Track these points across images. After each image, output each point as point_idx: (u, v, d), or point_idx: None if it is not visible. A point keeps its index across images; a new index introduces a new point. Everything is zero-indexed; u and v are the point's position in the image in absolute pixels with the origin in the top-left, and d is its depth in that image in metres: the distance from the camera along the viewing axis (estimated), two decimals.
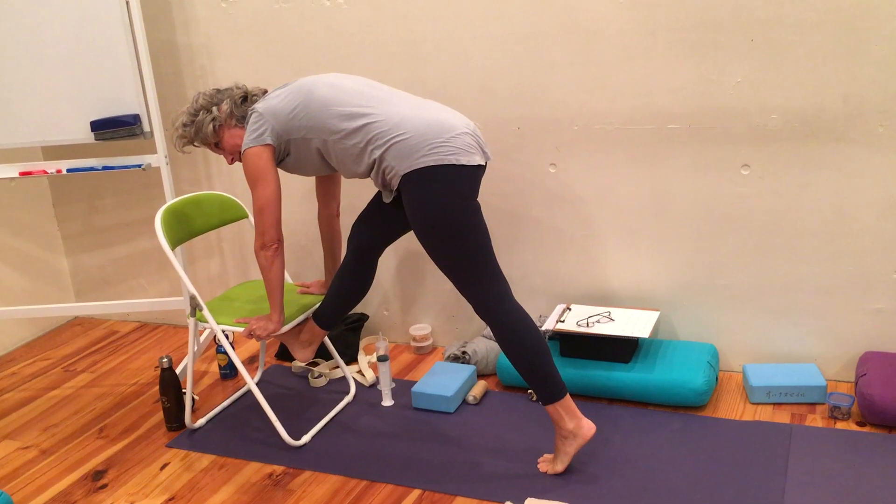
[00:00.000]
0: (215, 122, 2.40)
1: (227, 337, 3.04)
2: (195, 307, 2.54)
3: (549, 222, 2.92)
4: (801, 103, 2.50)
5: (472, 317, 3.17)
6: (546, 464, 2.34)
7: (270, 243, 2.35)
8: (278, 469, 2.45)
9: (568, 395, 2.23)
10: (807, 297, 2.67)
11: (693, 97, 2.61)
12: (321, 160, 2.35)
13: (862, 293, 2.61)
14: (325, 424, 2.68)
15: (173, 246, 2.53)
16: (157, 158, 2.94)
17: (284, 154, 2.37)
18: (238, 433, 2.67)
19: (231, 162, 2.47)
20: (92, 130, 2.90)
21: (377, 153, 2.19)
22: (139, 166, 2.95)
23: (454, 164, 2.11)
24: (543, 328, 2.83)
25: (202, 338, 3.26)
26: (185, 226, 2.63)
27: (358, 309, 3.36)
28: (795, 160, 2.56)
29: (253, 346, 3.38)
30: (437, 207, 2.12)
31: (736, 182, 2.64)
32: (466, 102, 2.89)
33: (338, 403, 2.81)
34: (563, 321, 2.77)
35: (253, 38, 3.13)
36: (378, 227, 2.50)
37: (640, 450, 2.39)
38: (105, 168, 2.98)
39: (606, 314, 2.80)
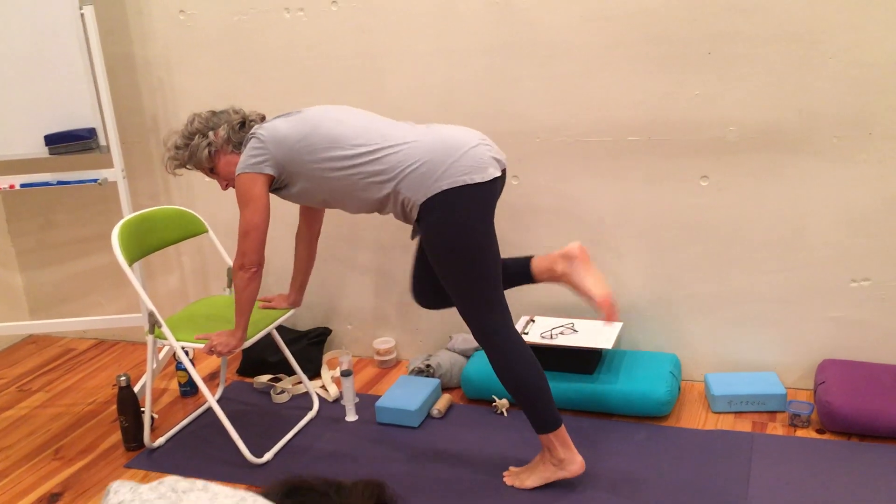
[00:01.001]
0: (211, 148, 2.33)
1: (186, 354, 2.99)
2: (154, 324, 2.50)
3: (511, 234, 2.92)
4: (758, 116, 2.54)
5: (436, 329, 3.16)
6: (512, 477, 2.33)
7: (250, 266, 2.30)
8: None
9: (563, 427, 2.22)
10: (766, 307, 2.71)
11: (652, 110, 2.63)
12: (323, 194, 2.25)
13: (819, 302, 2.65)
14: (288, 441, 2.65)
15: (131, 262, 2.49)
16: (114, 173, 2.89)
17: (283, 185, 2.28)
18: (199, 452, 2.62)
19: (225, 188, 2.40)
20: (46, 145, 2.84)
21: (390, 186, 2.12)
22: (95, 181, 2.90)
23: (468, 184, 2.06)
24: None
25: (161, 355, 3.20)
26: (143, 241, 2.59)
27: (321, 323, 3.33)
28: (753, 171, 2.60)
29: (214, 362, 3.33)
30: (453, 234, 2.08)
31: (695, 193, 2.67)
32: (428, 116, 2.89)
33: (301, 420, 2.78)
34: (526, 333, 2.77)
35: (211, 51, 3.09)
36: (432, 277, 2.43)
37: (604, 461, 2.39)
38: (60, 183, 2.92)
39: (570, 326, 2.81)
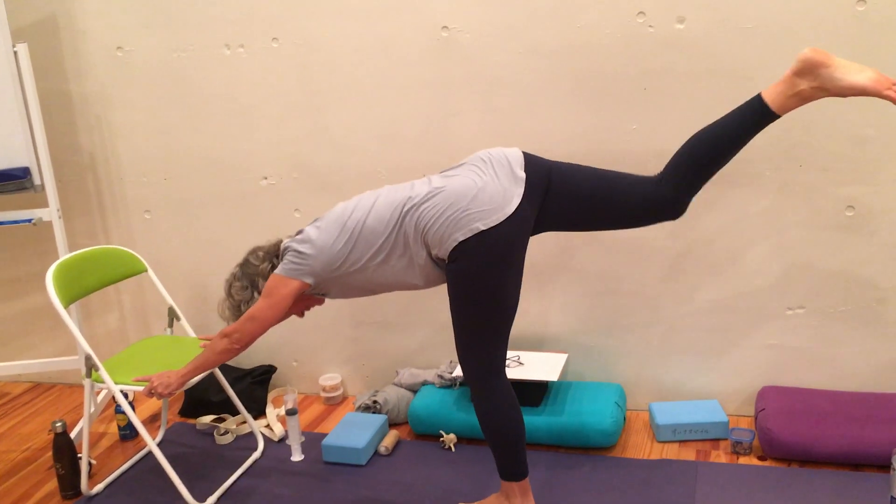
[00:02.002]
0: None
1: (126, 396, 2.92)
2: (91, 367, 2.43)
3: None
4: None
5: (383, 365, 3.14)
6: None
7: (236, 343, 2.22)
8: None
9: (527, 478, 2.22)
10: (707, 336, 2.76)
11: (591, 143, 2.68)
12: (368, 287, 2.20)
13: (757, 330, 2.71)
14: (232, 484, 2.59)
15: (67, 303, 2.43)
16: (49, 212, 2.83)
17: (319, 292, 2.23)
18: (139, 498, 2.55)
19: (301, 314, 2.37)
20: None
21: (423, 252, 2.08)
22: (29, 221, 2.83)
23: (481, 232, 2.00)
24: (453, 375, 2.83)
25: (100, 398, 3.11)
26: (79, 282, 2.53)
27: (266, 360, 3.28)
28: (690, 203, 2.65)
29: (155, 404, 3.25)
30: (469, 283, 2.03)
31: None
32: (370, 150, 2.89)
33: (245, 461, 2.73)
34: None
35: (150, 87, 3.06)
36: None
37: (551, 494, 2.39)
38: None
39: (516, 358, 2.82)
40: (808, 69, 1.90)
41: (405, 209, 2.07)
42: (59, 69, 3.12)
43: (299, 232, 2.21)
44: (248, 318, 2.19)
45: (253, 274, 2.27)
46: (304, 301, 2.32)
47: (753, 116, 1.96)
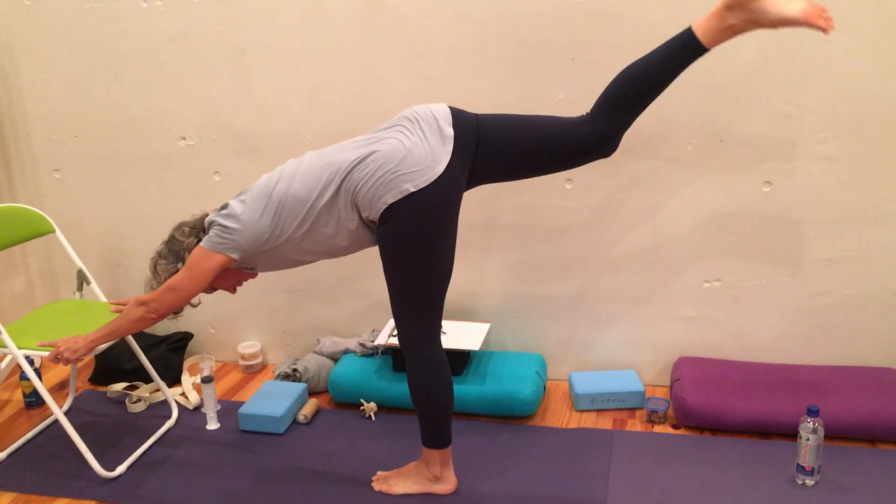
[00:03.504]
0: None
1: (31, 362, 2.80)
2: None
3: None
4: None
5: (304, 332, 3.09)
6: (381, 482, 2.30)
7: (153, 313, 2.15)
8: None
9: (450, 447, 2.22)
10: (626, 307, 2.79)
11: (519, 112, 2.66)
12: (295, 259, 2.15)
13: (675, 302, 2.75)
14: (143, 453, 2.51)
15: None
16: None
17: (245, 266, 2.18)
18: (44, 467, 2.45)
19: (232, 289, 2.27)
20: None
21: (354, 219, 2.03)
22: None
23: (411, 193, 1.96)
24: (376, 343, 2.80)
25: (4, 363, 2.98)
26: None
27: (182, 327, 3.19)
28: (614, 175, 2.67)
29: (63, 370, 3.13)
30: (400, 246, 2.00)
31: (560, 196, 2.72)
32: (295, 113, 2.82)
33: (158, 429, 2.65)
34: (395, 335, 2.75)
35: (61, 39, 2.91)
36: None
37: (469, 463, 2.40)
38: None
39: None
40: (738, 3, 1.85)
41: (332, 175, 2.02)
42: None
43: (224, 206, 2.14)
44: (168, 289, 2.13)
45: (179, 250, 2.19)
46: (234, 275, 2.25)
47: (684, 51, 1.92)
